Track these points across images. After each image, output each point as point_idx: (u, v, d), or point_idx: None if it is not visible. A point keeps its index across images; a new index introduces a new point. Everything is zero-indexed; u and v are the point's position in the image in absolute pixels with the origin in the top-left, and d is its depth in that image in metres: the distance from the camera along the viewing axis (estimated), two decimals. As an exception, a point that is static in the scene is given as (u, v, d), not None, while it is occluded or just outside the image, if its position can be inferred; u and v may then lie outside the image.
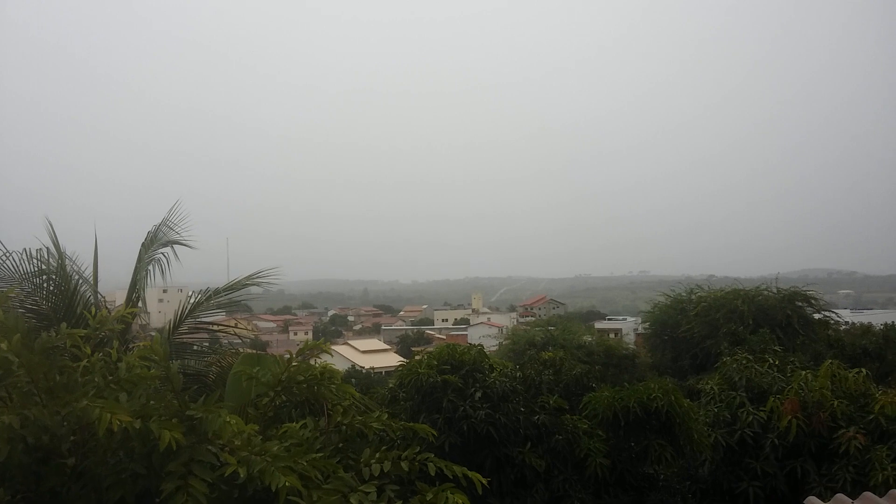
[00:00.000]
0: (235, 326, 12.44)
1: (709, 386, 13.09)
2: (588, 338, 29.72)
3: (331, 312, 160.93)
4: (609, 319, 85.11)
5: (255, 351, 10.66)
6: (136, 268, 10.65)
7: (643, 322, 31.77)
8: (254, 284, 11.09)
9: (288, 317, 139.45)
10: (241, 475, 4.41)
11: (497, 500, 9.03)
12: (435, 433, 7.44)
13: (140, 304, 10.61)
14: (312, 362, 8.41)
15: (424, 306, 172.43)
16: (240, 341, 12.34)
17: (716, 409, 12.20)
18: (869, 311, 73.56)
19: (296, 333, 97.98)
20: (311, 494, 4.67)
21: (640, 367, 26.47)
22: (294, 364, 6.78)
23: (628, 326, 60.97)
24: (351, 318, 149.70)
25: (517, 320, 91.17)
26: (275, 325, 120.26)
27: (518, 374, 11.40)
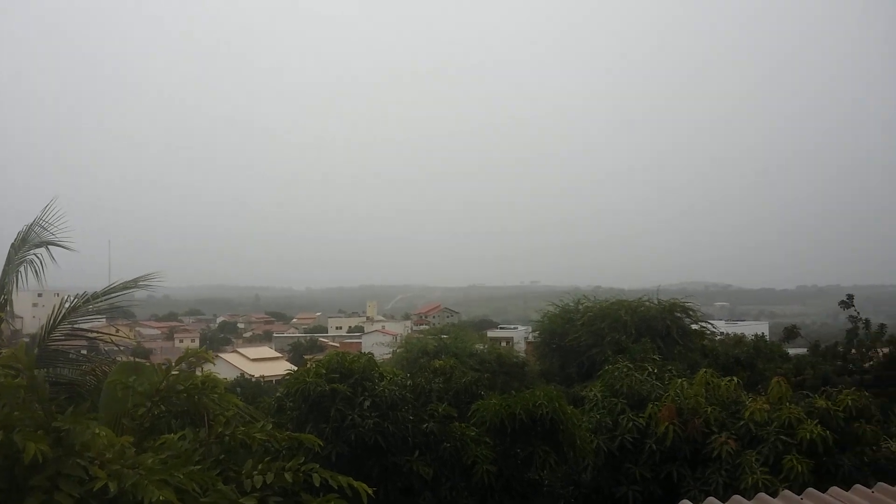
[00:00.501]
0: (116, 333, 11.90)
1: (592, 393, 13.53)
2: (480, 346, 30.15)
3: (219, 319, 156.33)
4: (501, 328, 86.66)
5: (133, 359, 10.23)
6: (3, 270, 10.01)
7: (533, 331, 32.50)
8: (134, 289, 10.63)
9: (173, 323, 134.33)
10: (112, 489, 4.22)
11: (384, 510, 9.02)
12: (321, 443, 7.35)
13: (8, 308, 9.98)
14: (198, 371, 8.15)
15: (318, 313, 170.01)
16: (119, 349, 11.79)
17: (598, 416, 12.62)
18: (742, 323, 78.13)
19: (181, 341, 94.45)
20: (188, 508, 4.53)
21: (529, 374, 27.05)
22: (174, 373, 6.55)
23: (520, 335, 62.27)
24: (241, 326, 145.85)
25: (411, 328, 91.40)
26: (159, 332, 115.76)
27: (408, 382, 11.42)
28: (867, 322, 26.27)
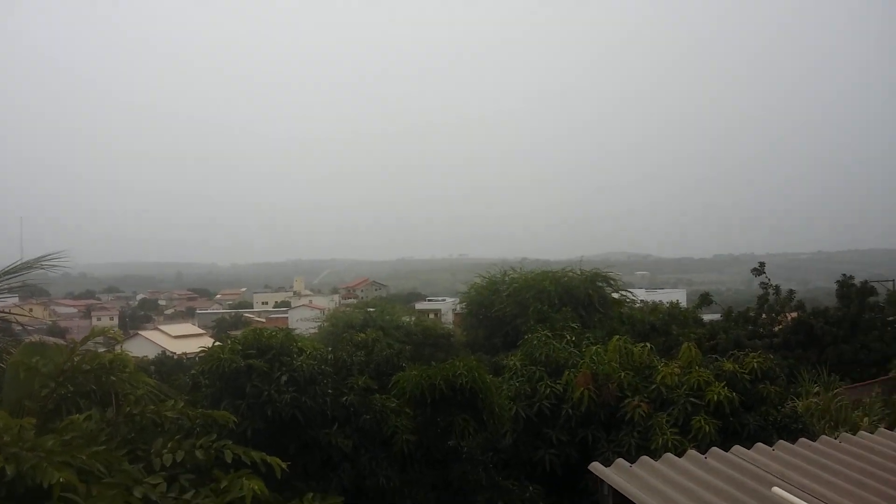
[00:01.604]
0: (28, 312, 11.49)
1: (512, 362, 13.81)
2: (407, 319, 30.31)
3: (140, 296, 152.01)
4: (429, 300, 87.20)
5: (41, 339, 9.91)
6: None
7: (460, 302, 32.83)
8: (42, 268, 10.25)
9: (91, 301, 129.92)
10: (9, 472, 4.16)
11: (302, 483, 9.01)
12: (235, 419, 7.31)
13: None
14: (117, 349, 7.98)
15: (243, 289, 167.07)
16: (30, 329, 11.40)
17: (517, 384, 12.88)
18: (661, 291, 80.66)
19: (99, 319, 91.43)
20: (91, 489, 4.47)
21: (455, 345, 27.38)
22: (78, 353, 6.41)
23: (447, 307, 62.82)
24: (162, 303, 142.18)
25: (339, 303, 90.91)
26: (76, 310, 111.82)
27: (329, 356, 11.41)
28: (777, 288, 27.64)
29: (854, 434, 8.42)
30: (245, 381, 9.71)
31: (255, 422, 9.34)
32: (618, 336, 14.03)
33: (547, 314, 22.84)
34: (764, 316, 26.95)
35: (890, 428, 8.94)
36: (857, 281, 26.42)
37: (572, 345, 14.20)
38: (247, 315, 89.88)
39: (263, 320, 75.35)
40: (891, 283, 29.01)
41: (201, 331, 68.89)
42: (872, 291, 26.10)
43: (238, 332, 14.92)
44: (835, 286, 27.10)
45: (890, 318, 25.45)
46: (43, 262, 10.00)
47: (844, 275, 26.93)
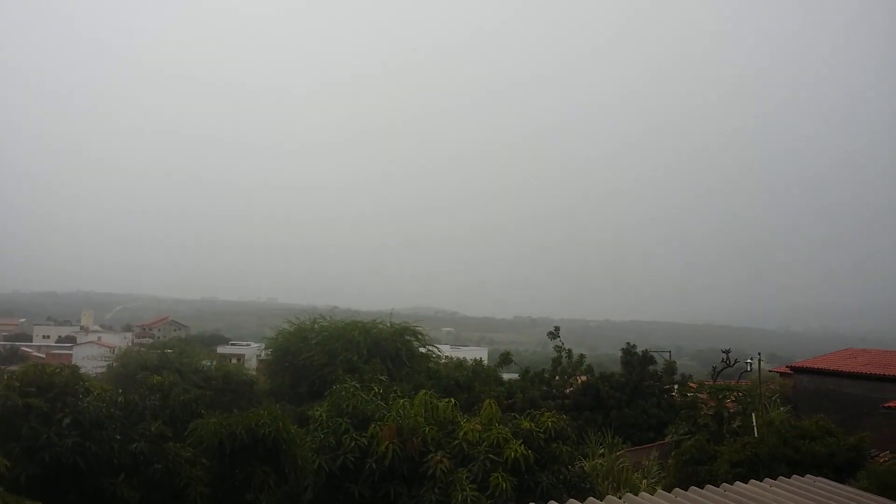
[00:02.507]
0: None
1: (318, 412, 13.52)
2: (208, 363, 28.86)
3: None
4: (233, 344, 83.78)
5: None
6: None
7: (266, 348, 31.88)
8: None
9: None
10: None
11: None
12: (8, 464, 6.60)
13: None
14: None
15: (22, 320, 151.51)
16: None
17: (322, 436, 12.62)
18: (465, 348, 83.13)
19: None
20: None
21: (258, 393, 26.40)
22: None
23: (252, 352, 60.61)
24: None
25: (132, 341, 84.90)
26: None
27: (120, 398, 10.60)
28: (570, 352, 29.47)
29: (636, 495, 9.05)
30: (22, 421, 8.78)
31: (30, 467, 8.42)
32: (424, 391, 14.20)
33: (356, 365, 22.76)
34: (557, 378, 28.56)
35: (667, 490, 9.69)
36: (638, 350, 28.80)
37: (380, 397, 14.17)
38: (24, 349, 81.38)
39: (44, 356, 68.51)
40: (668, 353, 31.87)
41: (-34, 364, 61.33)
42: (652, 360, 28.59)
43: (15, 368, 13.49)
44: (619, 353, 29.32)
45: (667, 387, 27.90)
46: None
47: (628, 343, 29.31)
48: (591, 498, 8.68)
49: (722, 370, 34.10)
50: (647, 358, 28.54)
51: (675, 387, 27.96)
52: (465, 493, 11.28)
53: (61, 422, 8.99)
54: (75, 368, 10.37)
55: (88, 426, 9.16)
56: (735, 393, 24.46)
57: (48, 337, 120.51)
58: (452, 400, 13.98)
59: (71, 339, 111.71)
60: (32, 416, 8.90)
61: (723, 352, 34.49)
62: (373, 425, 12.67)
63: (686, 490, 9.16)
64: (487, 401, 13.92)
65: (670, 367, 28.98)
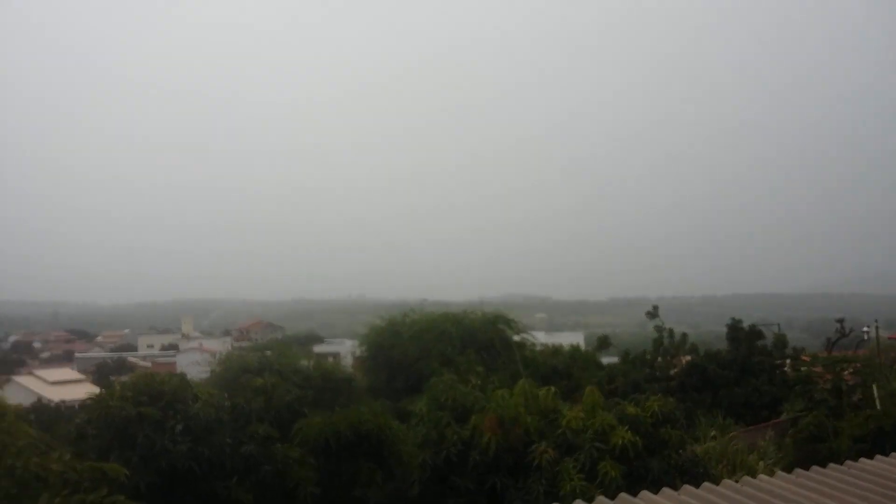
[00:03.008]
0: None
1: (418, 407, 13.51)
2: (306, 362, 29.37)
3: (12, 338, 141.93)
4: (328, 343, 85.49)
5: None
6: None
7: (360, 345, 32.25)
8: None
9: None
10: None
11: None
12: (127, 472, 6.73)
13: None
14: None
15: (126, 330, 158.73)
16: None
17: (424, 430, 12.60)
18: (559, 334, 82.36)
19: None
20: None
21: (356, 390, 26.66)
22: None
23: (346, 349, 61.62)
24: (37, 345, 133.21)
25: (232, 345, 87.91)
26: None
27: (226, 403, 10.80)
28: (671, 331, 28.56)
29: (753, 477, 8.58)
30: (136, 430, 9.01)
31: (147, 475, 8.63)
32: (523, 379, 13.99)
33: (450, 357, 22.67)
34: (660, 359, 27.75)
35: (786, 471, 9.17)
36: (744, 324, 27.63)
37: (478, 388, 14.05)
38: (131, 359, 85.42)
39: (149, 364, 71.72)
40: (776, 326, 30.52)
41: (81, 376, 64.82)
42: (760, 335, 27.36)
43: (125, 378, 13.98)
44: (724, 329, 28.20)
45: (778, 362, 26.69)
46: None
47: (733, 318, 28.12)
48: (706, 483, 8.26)
49: (837, 340, 32.40)
50: (754, 332, 27.34)
51: (787, 361, 26.69)
52: (573, 482, 11.04)
53: (174, 428, 9.20)
54: (183, 376, 10.62)
55: (200, 431, 9.34)
56: (853, 364, 23.09)
57: (152, 346, 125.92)
58: (552, 388, 13.71)
59: (173, 347, 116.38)
60: (146, 425, 9.13)
61: (836, 321, 32.77)
62: (473, 417, 12.57)
63: (807, 470, 8.62)
64: (589, 387, 13.58)
65: (780, 341, 27.73)
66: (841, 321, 32.44)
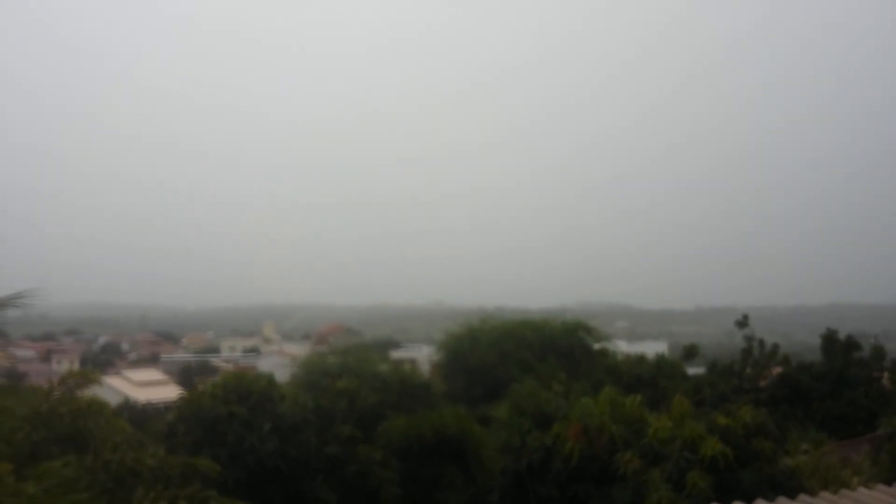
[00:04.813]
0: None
1: (500, 412, 13.39)
2: (384, 367, 29.65)
3: (102, 339, 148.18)
4: (405, 348, 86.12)
5: (4, 381, 9.36)
6: None
7: (439, 351, 32.37)
8: (10, 306, 9.65)
9: (51, 344, 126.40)
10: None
11: (286, 539, 8.52)
12: (218, 468, 6.87)
13: None
14: (79, 394, 7.50)
15: (210, 334, 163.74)
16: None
17: (505, 436, 12.45)
18: (642, 343, 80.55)
19: (59, 363, 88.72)
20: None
21: (434, 396, 26.77)
22: (55, 395, 6.01)
23: (423, 355, 61.92)
24: (125, 347, 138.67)
25: (311, 349, 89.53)
26: (34, 353, 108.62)
27: (311, 404, 10.96)
28: (761, 342, 27.54)
29: (852, 490, 8.18)
30: (226, 428, 9.23)
31: (236, 471, 8.82)
32: (608, 387, 13.68)
33: (530, 364, 22.47)
34: (749, 370, 26.82)
35: (887, 484, 8.68)
36: (840, 335, 26.45)
37: (560, 395, 13.83)
38: (214, 361, 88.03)
39: (231, 367, 73.77)
40: (873, 338, 29.07)
41: (166, 377, 67.20)
42: (857, 346, 26.14)
43: (213, 379, 14.37)
44: (817, 341, 27.04)
45: (875, 375, 25.46)
46: (14, 301, 9.37)
47: (829, 329, 26.93)
48: (802, 495, 7.89)
49: (938, 352, 30.67)
50: (851, 344, 26.12)
51: (885, 374, 25.39)
52: (659, 493, 10.71)
53: (262, 427, 9.38)
54: (271, 376, 10.84)
55: (287, 431, 9.50)
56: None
57: (234, 349, 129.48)
58: (639, 396, 13.38)
59: (255, 350, 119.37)
60: (236, 423, 9.34)
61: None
62: (556, 424, 12.35)
63: (908, 484, 8.14)
64: (678, 396, 13.17)
65: (878, 352, 26.33)
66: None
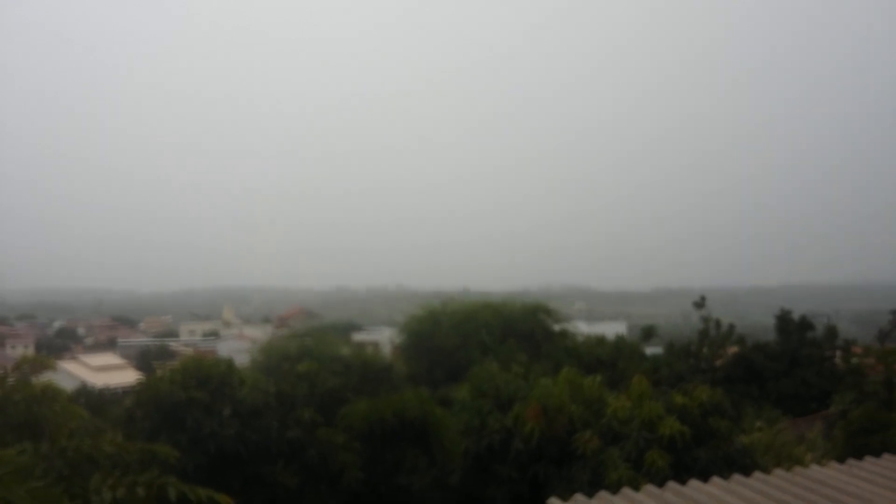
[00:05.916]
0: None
1: (461, 394, 13.44)
2: (345, 350, 29.56)
3: (57, 324, 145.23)
4: (366, 331, 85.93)
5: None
6: None
7: (400, 333, 32.36)
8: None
9: (4, 329, 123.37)
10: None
11: (246, 524, 8.47)
12: (177, 454, 6.80)
13: None
14: (34, 380, 7.35)
15: (168, 317, 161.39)
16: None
17: (466, 417, 12.53)
18: (601, 324, 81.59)
19: (13, 348, 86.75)
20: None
21: (396, 378, 26.77)
22: (9, 381, 5.89)
23: (385, 338, 61.82)
24: (81, 331, 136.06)
25: (271, 333, 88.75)
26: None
27: (272, 388, 10.88)
28: (717, 322, 28.05)
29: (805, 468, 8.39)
30: (185, 413, 9.13)
31: (196, 456, 8.74)
32: (567, 368, 13.82)
33: (490, 346, 22.60)
34: (705, 350, 27.31)
35: (839, 461, 8.94)
36: (794, 316, 27.06)
37: (520, 377, 13.93)
38: (173, 345, 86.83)
39: (190, 351, 72.84)
40: (826, 317, 29.82)
41: (123, 362, 66.09)
42: (810, 326, 26.79)
43: (171, 363, 14.17)
44: (772, 321, 27.61)
45: (828, 354, 26.13)
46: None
47: (783, 309, 27.54)
48: (757, 472, 8.10)
49: (889, 332, 31.60)
50: (804, 324, 26.88)
51: (838, 353, 26.14)
52: (619, 471, 10.89)
53: (222, 412, 9.31)
54: (231, 361, 10.73)
55: (247, 415, 9.44)
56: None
57: (194, 333, 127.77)
58: (598, 377, 13.55)
59: (214, 334, 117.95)
60: (195, 408, 9.25)
61: (890, 312, 31.97)
62: (516, 406, 12.46)
63: (860, 460, 8.39)
64: (637, 376, 13.37)
65: (831, 333, 27.10)
66: (894, 312, 31.59)
